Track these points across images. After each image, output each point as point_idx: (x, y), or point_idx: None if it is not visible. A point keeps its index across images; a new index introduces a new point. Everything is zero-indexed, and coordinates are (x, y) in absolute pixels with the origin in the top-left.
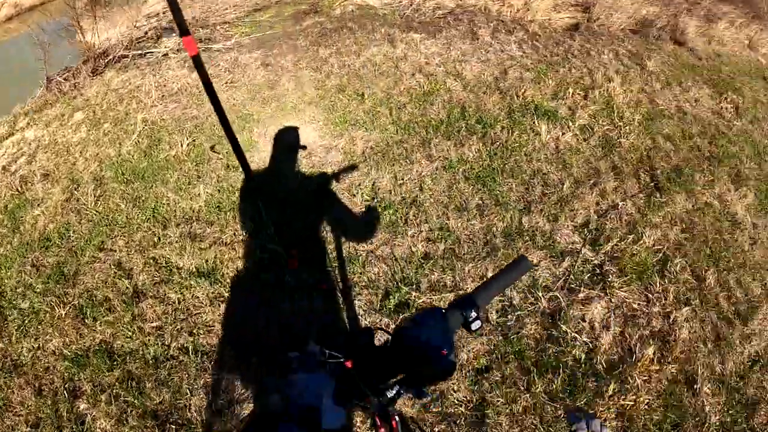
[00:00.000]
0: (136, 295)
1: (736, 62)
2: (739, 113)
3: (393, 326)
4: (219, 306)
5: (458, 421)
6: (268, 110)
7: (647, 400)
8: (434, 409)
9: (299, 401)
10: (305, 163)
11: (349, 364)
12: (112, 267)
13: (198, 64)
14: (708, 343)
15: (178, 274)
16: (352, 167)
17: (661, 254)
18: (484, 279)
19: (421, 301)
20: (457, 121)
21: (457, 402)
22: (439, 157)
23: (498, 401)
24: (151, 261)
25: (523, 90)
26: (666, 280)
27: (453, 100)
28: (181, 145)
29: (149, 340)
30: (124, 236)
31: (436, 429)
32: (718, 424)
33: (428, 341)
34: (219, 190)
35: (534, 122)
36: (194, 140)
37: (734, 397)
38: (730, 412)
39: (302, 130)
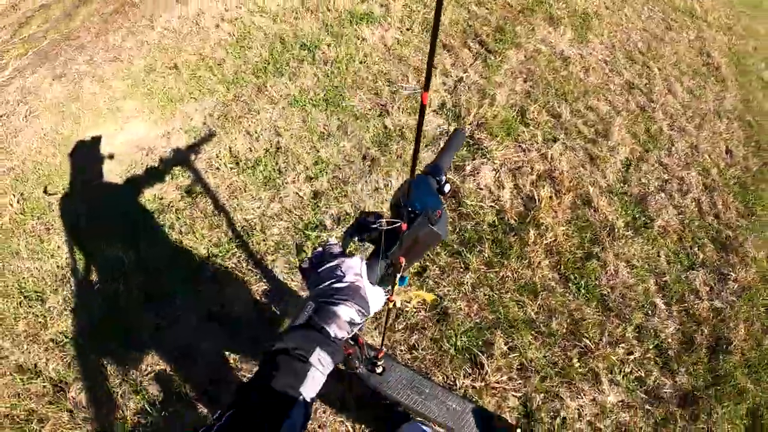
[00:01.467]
0: (58, 389)
1: None
2: None
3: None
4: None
5: (425, 326)
6: (85, 124)
7: (563, 232)
8: (400, 327)
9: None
10: (150, 162)
11: (404, 226)
12: (15, 374)
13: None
14: (586, 165)
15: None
16: (201, 143)
17: (517, 107)
18: (378, 190)
19: (335, 236)
20: (282, 55)
21: (414, 309)
22: (281, 96)
23: (448, 291)
24: (51, 344)
25: (332, 2)
26: (531, 127)
27: (268, 36)
28: (11, 206)
29: (107, 425)
30: (7, 335)
31: (411, 341)
32: (623, 225)
33: (425, 205)
34: (77, 234)
35: (355, 30)
36: (22, 194)
37: (625, 200)
38: (628, 212)
39: (129, 129)
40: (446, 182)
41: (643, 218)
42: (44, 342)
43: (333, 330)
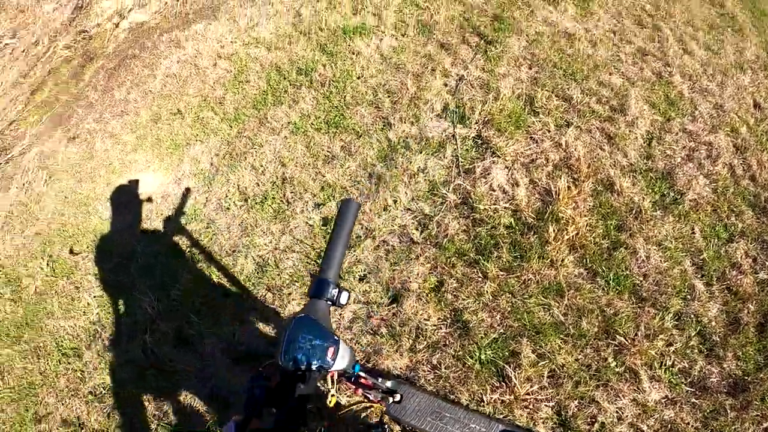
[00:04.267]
0: None
1: None
2: None
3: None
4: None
5: (446, 343)
6: (101, 182)
7: (585, 222)
8: (421, 347)
9: None
10: (166, 210)
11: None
12: (60, 429)
13: None
14: (604, 146)
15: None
16: (210, 184)
17: (524, 97)
18: (387, 208)
19: (347, 260)
20: (279, 84)
21: (434, 327)
22: (282, 125)
23: (468, 303)
24: (91, 396)
25: (323, 21)
26: (541, 116)
27: (264, 66)
28: (42, 269)
29: None
30: (50, 391)
31: (434, 360)
32: (650, 205)
33: (311, 359)
34: (105, 289)
35: (350, 45)
36: (51, 256)
37: (650, 176)
38: (654, 190)
39: (143, 180)
40: (341, 291)
41: (672, 194)
42: (84, 395)
43: None
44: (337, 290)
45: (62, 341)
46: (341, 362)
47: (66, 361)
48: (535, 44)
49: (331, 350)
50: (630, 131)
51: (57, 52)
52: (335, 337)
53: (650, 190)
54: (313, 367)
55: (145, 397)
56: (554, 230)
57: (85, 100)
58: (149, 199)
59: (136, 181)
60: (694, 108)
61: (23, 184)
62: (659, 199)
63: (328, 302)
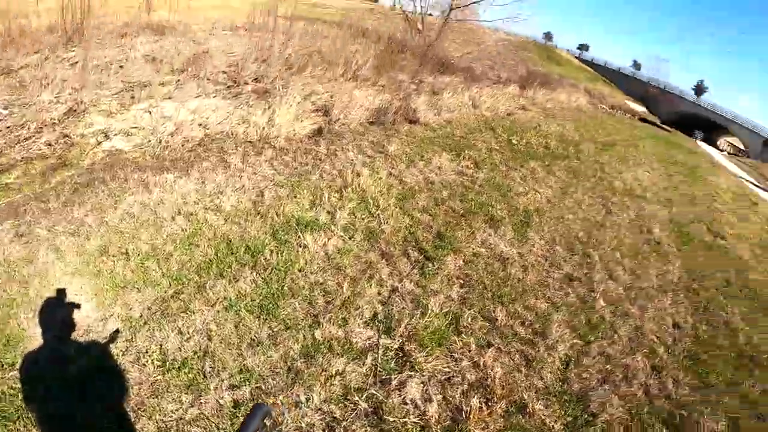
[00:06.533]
0: None
1: (465, 123)
2: (479, 166)
3: None
4: None
5: None
6: (32, 290)
7: None
8: None
9: None
10: (84, 341)
11: None
12: None
13: None
14: (521, 368)
15: None
16: (134, 335)
17: (450, 315)
18: (298, 405)
19: None
20: (226, 257)
21: None
22: (218, 299)
23: None
24: None
25: (281, 207)
26: (464, 335)
27: (217, 235)
28: None
29: None
30: None
31: None
32: (561, 428)
33: None
34: None
35: (299, 236)
36: None
37: (564, 399)
38: (567, 413)
39: (71, 305)
40: None
41: (585, 416)
42: None
43: None
44: None
45: None
46: None
47: None
48: (470, 265)
49: None
50: (549, 354)
51: (37, 144)
52: None
53: (563, 413)
54: None
55: None
56: None
57: (45, 203)
58: (72, 327)
59: (66, 304)
60: (614, 331)
61: None
62: (571, 421)
63: None
